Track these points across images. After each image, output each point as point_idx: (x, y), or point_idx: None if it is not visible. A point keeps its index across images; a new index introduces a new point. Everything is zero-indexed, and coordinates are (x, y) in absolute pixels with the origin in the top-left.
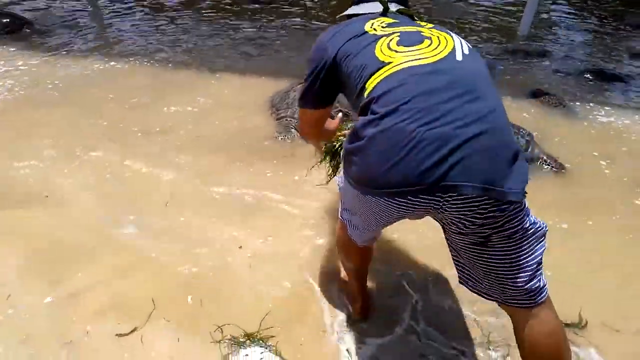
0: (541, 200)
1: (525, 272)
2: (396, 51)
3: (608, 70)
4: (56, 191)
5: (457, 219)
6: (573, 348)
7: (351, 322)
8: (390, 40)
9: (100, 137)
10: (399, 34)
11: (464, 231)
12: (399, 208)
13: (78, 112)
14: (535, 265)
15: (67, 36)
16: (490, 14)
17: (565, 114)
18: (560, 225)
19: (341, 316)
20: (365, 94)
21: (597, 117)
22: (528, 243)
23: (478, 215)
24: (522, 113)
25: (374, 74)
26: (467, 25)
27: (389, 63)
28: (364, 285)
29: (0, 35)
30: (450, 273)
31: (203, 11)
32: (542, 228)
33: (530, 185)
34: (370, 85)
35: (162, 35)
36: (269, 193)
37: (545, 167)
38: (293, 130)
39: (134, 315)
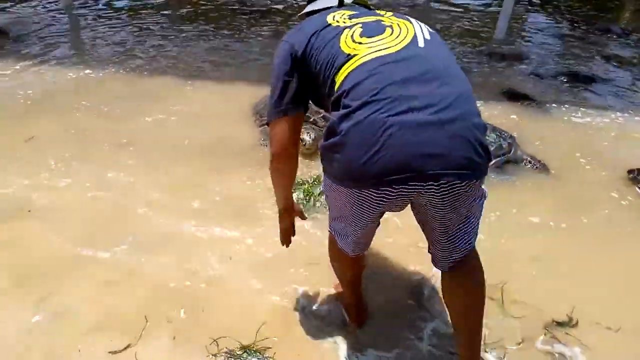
0: (528, 199)
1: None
2: (360, 43)
3: (582, 72)
4: (38, 206)
5: (435, 200)
6: (563, 348)
7: (348, 332)
8: (353, 32)
9: (76, 149)
10: (361, 25)
11: (438, 206)
12: (383, 198)
13: (52, 123)
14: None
15: (42, 45)
16: (466, 19)
17: (543, 115)
18: (548, 223)
19: (338, 325)
20: (336, 87)
21: (574, 117)
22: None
23: (455, 194)
24: (500, 115)
25: (341, 67)
26: (443, 29)
27: (355, 55)
28: (358, 293)
29: None
30: None
31: (181, 18)
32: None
33: (516, 185)
34: (339, 78)
35: (138, 42)
36: (259, 202)
37: (529, 167)
38: None
39: (126, 331)
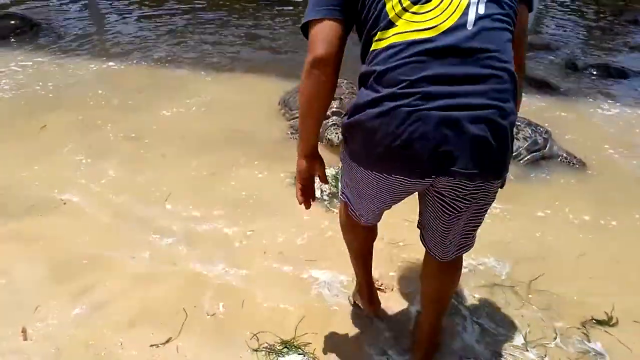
0: (564, 196)
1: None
2: (405, 10)
3: (612, 64)
4: (71, 198)
5: (447, 192)
6: (601, 346)
7: (384, 326)
8: None
9: (102, 141)
10: None
11: (446, 198)
12: (397, 184)
13: (75, 116)
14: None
15: (64, 36)
16: None
17: (574, 108)
18: (587, 221)
19: (378, 322)
20: (371, 51)
21: (607, 110)
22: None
23: (468, 189)
24: (531, 107)
25: (383, 29)
26: None
27: (395, 26)
28: (369, 273)
29: (9, 37)
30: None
31: (204, 9)
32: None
33: (552, 181)
34: (376, 45)
35: (161, 33)
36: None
37: (566, 163)
38: None
39: (166, 325)
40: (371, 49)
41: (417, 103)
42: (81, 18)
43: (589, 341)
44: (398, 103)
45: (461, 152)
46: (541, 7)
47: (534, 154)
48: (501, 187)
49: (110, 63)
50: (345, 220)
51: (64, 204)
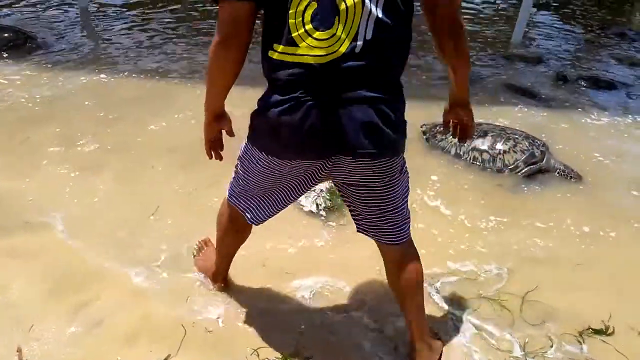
0: (563, 209)
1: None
2: (307, 32)
3: (602, 76)
4: (64, 213)
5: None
6: (598, 355)
7: (389, 340)
8: (305, 10)
9: (91, 154)
10: (316, 3)
11: (355, 181)
12: (305, 167)
13: (61, 129)
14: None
15: (56, 47)
16: (483, 23)
17: (567, 119)
18: (584, 232)
19: (379, 333)
20: (270, 54)
21: (597, 120)
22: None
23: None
24: (526, 120)
25: (286, 44)
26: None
27: (298, 47)
28: (229, 264)
29: (1, 50)
30: None
31: (197, 20)
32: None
33: (551, 195)
34: (276, 48)
35: (152, 45)
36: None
37: (563, 177)
38: None
39: (165, 341)
40: (274, 57)
41: (317, 99)
42: (73, 30)
43: (586, 351)
44: (301, 101)
45: (350, 134)
46: (530, 20)
47: (532, 166)
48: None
49: (102, 75)
50: (224, 217)
51: (58, 219)
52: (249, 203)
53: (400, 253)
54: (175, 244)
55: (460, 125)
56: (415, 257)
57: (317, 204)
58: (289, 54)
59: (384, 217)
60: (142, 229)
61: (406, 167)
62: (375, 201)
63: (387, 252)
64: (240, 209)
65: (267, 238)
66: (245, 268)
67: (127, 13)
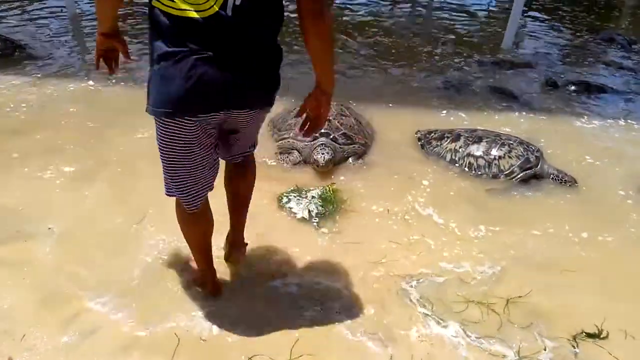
0: (557, 215)
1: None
2: None
3: (592, 81)
4: (55, 223)
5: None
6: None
7: (385, 346)
8: None
9: (80, 164)
10: None
11: (235, 128)
12: (200, 124)
13: (49, 139)
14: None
15: (46, 56)
16: (473, 28)
17: (559, 124)
18: (578, 237)
19: (374, 339)
20: (155, 11)
21: (589, 125)
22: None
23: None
24: (520, 127)
25: None
26: (452, 38)
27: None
28: (209, 259)
29: None
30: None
31: None
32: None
33: (545, 200)
34: (160, 6)
35: (143, 53)
36: (280, 217)
37: (557, 182)
38: (295, 152)
39: (158, 351)
40: (159, 7)
41: (201, 55)
42: (62, 38)
43: (580, 354)
44: (186, 54)
45: (233, 90)
46: (520, 25)
47: (527, 171)
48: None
49: (90, 83)
50: (180, 214)
51: (49, 229)
52: (181, 189)
53: (245, 168)
54: (164, 252)
55: (314, 113)
56: (252, 170)
57: (309, 210)
58: (171, 7)
59: (246, 148)
60: (131, 238)
61: None
62: (245, 138)
63: (232, 169)
64: (180, 199)
65: (263, 246)
66: (240, 276)
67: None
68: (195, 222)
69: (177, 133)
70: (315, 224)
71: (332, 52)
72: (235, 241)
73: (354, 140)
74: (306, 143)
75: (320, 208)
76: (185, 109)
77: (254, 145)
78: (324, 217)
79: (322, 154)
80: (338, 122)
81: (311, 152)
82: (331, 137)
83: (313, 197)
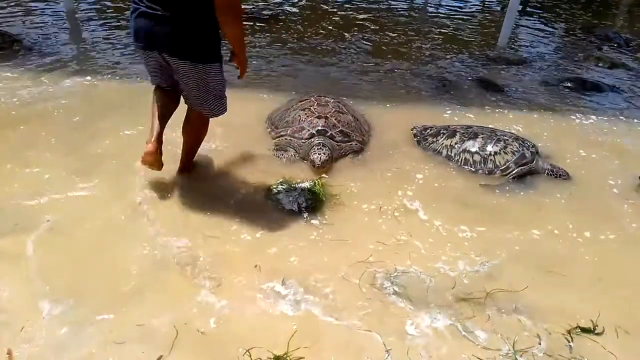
0: (552, 211)
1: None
2: None
3: (587, 78)
4: (54, 216)
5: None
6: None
7: (382, 342)
8: None
9: (76, 157)
10: None
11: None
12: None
13: (45, 132)
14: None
15: (42, 50)
16: (469, 27)
17: (555, 120)
18: (572, 233)
19: (369, 331)
20: None
21: (584, 121)
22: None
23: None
24: (518, 123)
25: None
26: (448, 35)
27: None
28: (161, 128)
29: None
30: None
31: None
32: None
33: (538, 197)
34: None
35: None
36: (276, 209)
37: (551, 177)
38: (291, 150)
39: (157, 342)
40: None
41: (140, 9)
42: (60, 32)
43: (575, 349)
44: (135, 9)
45: (161, 39)
46: (516, 23)
47: (522, 167)
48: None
49: (87, 77)
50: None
51: (48, 221)
52: (152, 78)
53: (199, 116)
54: (161, 245)
55: (238, 65)
56: (204, 121)
57: (298, 204)
58: None
59: (196, 106)
60: (128, 231)
61: (218, 79)
62: (191, 96)
63: (191, 114)
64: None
65: (258, 240)
66: (237, 270)
67: (114, 15)
68: (155, 92)
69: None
70: (305, 217)
71: (237, 32)
72: (183, 166)
73: (352, 137)
74: (303, 141)
75: (309, 202)
76: (136, 43)
77: (209, 113)
78: (313, 210)
79: (319, 154)
80: (335, 119)
81: (308, 152)
82: (328, 134)
83: (302, 189)
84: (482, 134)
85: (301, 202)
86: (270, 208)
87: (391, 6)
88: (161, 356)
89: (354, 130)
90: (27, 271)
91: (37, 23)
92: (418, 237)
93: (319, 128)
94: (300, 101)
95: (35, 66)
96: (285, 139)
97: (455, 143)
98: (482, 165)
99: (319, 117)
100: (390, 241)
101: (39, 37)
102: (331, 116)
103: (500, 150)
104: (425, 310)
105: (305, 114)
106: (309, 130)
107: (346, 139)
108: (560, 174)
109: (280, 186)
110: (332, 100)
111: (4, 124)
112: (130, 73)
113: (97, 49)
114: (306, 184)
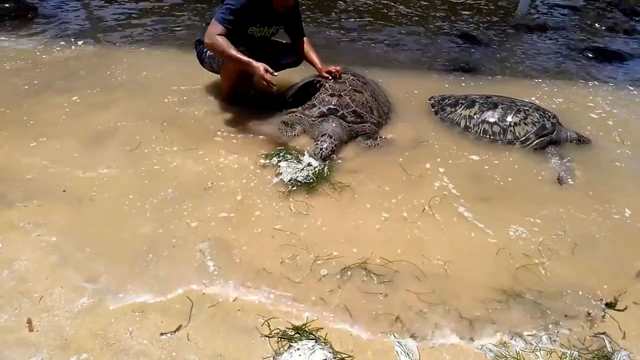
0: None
1: None
2: None
3: (609, 47)
4: (70, 185)
5: None
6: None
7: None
8: None
9: (92, 127)
10: None
11: None
12: None
13: (61, 102)
14: None
15: (61, 19)
16: None
17: (574, 90)
18: (595, 204)
19: (386, 303)
20: None
21: (605, 90)
22: None
23: None
24: (536, 92)
25: None
26: (467, 3)
27: None
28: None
29: (5, 20)
30: None
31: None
32: None
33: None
34: None
35: (156, 12)
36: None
37: (575, 142)
38: (298, 127)
39: (175, 312)
40: None
41: None
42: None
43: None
44: None
45: None
46: None
47: (543, 138)
48: None
49: (99, 45)
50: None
51: (64, 191)
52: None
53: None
54: (175, 219)
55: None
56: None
57: (295, 179)
58: None
59: None
60: (143, 205)
61: None
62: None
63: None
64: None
65: (274, 211)
66: (256, 242)
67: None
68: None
69: None
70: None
71: (226, 56)
72: None
73: (365, 119)
74: (313, 119)
75: (309, 179)
76: None
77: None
78: (312, 188)
79: (322, 147)
80: (350, 98)
81: (315, 140)
82: (339, 114)
83: (309, 164)
84: (502, 104)
85: (301, 177)
86: (262, 174)
87: None
88: (180, 326)
89: (368, 111)
90: (46, 242)
91: None
92: (436, 212)
93: (330, 107)
94: (319, 75)
95: (49, 32)
96: (296, 115)
97: (474, 113)
98: (502, 136)
99: (332, 95)
100: (394, 229)
101: (53, 4)
102: (345, 95)
103: (520, 121)
104: (429, 294)
105: (319, 90)
106: (319, 108)
107: (359, 119)
108: (582, 139)
109: (287, 154)
110: (351, 77)
111: (24, 92)
112: (140, 40)
113: (110, 17)
114: (313, 163)
